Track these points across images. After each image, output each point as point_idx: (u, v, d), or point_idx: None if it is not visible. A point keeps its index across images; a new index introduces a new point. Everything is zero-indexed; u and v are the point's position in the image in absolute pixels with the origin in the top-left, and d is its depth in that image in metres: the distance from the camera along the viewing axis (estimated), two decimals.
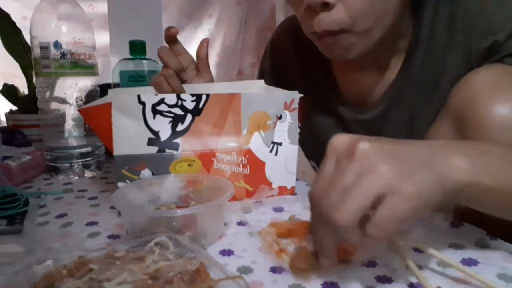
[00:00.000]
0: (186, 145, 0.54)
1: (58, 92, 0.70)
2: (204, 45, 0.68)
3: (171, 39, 0.66)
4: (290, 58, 0.76)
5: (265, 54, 0.85)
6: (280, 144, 0.57)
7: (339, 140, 0.35)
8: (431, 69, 0.59)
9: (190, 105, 0.53)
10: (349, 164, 0.33)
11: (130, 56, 0.81)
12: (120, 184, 0.51)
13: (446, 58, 0.57)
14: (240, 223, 0.50)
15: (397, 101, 0.62)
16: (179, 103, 0.53)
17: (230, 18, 2.82)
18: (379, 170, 0.31)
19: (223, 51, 2.88)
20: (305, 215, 0.51)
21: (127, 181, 0.52)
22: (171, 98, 0.52)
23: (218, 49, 2.88)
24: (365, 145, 0.33)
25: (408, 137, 0.65)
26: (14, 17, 0.91)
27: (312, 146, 0.78)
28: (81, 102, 0.71)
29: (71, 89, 0.70)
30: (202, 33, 2.77)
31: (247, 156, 0.56)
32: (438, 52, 0.58)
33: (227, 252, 0.42)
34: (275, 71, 0.81)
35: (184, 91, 0.63)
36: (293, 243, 0.40)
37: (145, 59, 0.82)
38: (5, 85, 1.00)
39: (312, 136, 0.73)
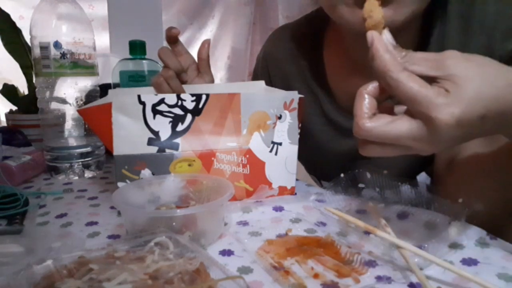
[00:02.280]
0: (186, 145, 0.54)
1: (58, 92, 0.70)
2: (205, 46, 0.68)
3: (172, 39, 0.66)
4: (287, 69, 0.75)
5: (257, 69, 0.83)
6: (280, 144, 0.57)
7: None
8: None
9: (190, 105, 0.53)
10: None
11: (130, 56, 0.81)
12: (120, 184, 0.51)
13: None
14: (240, 223, 0.50)
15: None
16: (179, 103, 0.53)
17: (237, 19, 2.81)
18: None
19: (233, 53, 2.87)
20: (305, 216, 0.51)
21: (127, 181, 0.52)
22: (171, 98, 0.52)
23: (228, 52, 2.87)
24: None
25: None
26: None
27: (312, 160, 0.78)
28: (81, 102, 0.71)
29: (71, 89, 0.70)
30: (205, 34, 2.76)
31: (247, 156, 0.56)
32: None
33: (227, 252, 0.42)
34: (271, 84, 0.78)
35: (184, 92, 0.63)
36: (296, 263, 0.39)
37: (145, 59, 0.82)
38: (5, 85, 1.00)
39: (312, 150, 0.73)
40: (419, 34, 0.59)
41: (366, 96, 0.38)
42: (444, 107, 0.33)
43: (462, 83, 0.33)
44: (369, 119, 0.37)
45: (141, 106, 0.51)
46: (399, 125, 0.36)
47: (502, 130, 0.38)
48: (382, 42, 0.38)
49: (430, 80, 0.35)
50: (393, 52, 0.37)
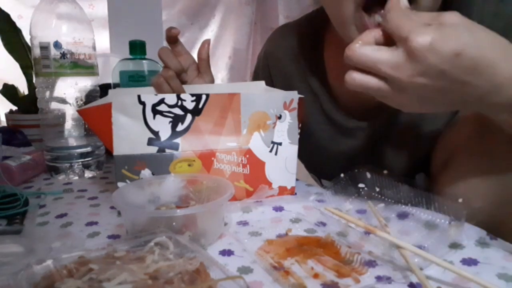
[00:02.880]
0: (186, 145, 0.54)
1: (58, 92, 0.70)
2: (205, 46, 0.68)
3: (172, 39, 0.66)
4: (287, 68, 0.75)
5: (257, 68, 0.83)
6: (280, 144, 0.57)
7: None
8: None
9: (190, 105, 0.53)
10: None
11: (130, 56, 0.81)
12: (120, 184, 0.51)
13: None
14: (240, 223, 0.50)
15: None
16: (179, 103, 0.53)
17: (238, 19, 2.80)
18: None
19: (234, 53, 2.86)
20: (305, 216, 0.51)
21: (127, 181, 0.52)
22: (171, 98, 0.52)
23: (229, 52, 2.86)
24: None
25: (416, 139, 0.65)
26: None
27: (313, 159, 0.78)
28: (81, 102, 0.71)
29: (71, 89, 0.70)
30: (206, 34, 2.76)
31: (247, 156, 0.56)
32: None
33: (227, 252, 0.42)
34: (272, 83, 0.79)
35: (184, 92, 0.63)
36: (296, 263, 0.39)
37: (145, 59, 0.82)
38: (5, 85, 1.00)
39: (312, 149, 0.73)
40: None
41: (369, 34, 0.41)
42: (421, 32, 0.36)
43: (446, 24, 0.37)
44: (359, 45, 0.40)
45: (141, 106, 0.51)
46: (382, 51, 0.39)
47: (476, 83, 0.37)
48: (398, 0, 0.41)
49: None
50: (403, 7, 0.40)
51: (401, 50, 0.37)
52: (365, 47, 0.40)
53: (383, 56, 0.39)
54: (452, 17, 0.37)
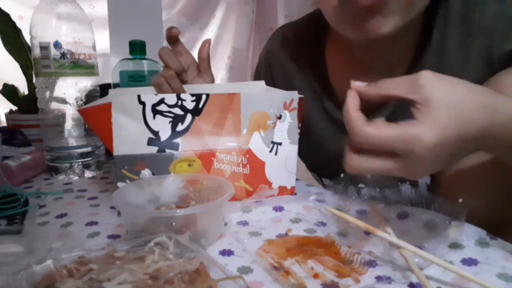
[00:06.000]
0: (186, 145, 0.54)
1: (58, 92, 0.70)
2: (206, 45, 0.68)
3: (173, 39, 0.66)
4: (289, 67, 0.75)
5: (259, 67, 0.83)
6: (280, 144, 0.57)
7: None
8: (444, 72, 0.58)
9: (190, 105, 0.53)
10: None
11: (130, 56, 0.81)
12: (120, 184, 0.51)
13: (464, 62, 0.56)
14: (240, 223, 0.50)
15: (405, 105, 0.61)
16: (179, 103, 0.53)
17: (238, 19, 2.80)
18: None
19: (234, 53, 2.86)
20: (305, 216, 0.51)
21: (127, 181, 0.52)
22: (171, 98, 0.52)
23: (229, 51, 2.86)
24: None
25: None
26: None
27: (314, 158, 0.78)
28: (81, 102, 0.71)
29: (71, 89, 0.70)
30: (206, 34, 2.76)
31: (247, 156, 0.56)
32: (452, 55, 0.57)
33: (227, 252, 0.42)
34: (273, 82, 0.79)
35: (185, 92, 0.63)
36: (296, 263, 0.39)
37: (145, 59, 0.82)
38: (5, 85, 1.00)
39: (313, 148, 0.73)
40: (420, 33, 0.59)
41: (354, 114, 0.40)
42: (420, 136, 0.35)
43: (436, 107, 0.35)
44: (354, 158, 0.39)
45: (141, 106, 0.51)
46: (381, 162, 0.37)
47: (488, 148, 0.40)
48: (351, 97, 0.42)
49: (409, 103, 0.37)
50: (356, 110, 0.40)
51: (402, 157, 0.36)
52: (362, 161, 0.38)
53: (385, 166, 0.37)
54: (433, 87, 0.36)
